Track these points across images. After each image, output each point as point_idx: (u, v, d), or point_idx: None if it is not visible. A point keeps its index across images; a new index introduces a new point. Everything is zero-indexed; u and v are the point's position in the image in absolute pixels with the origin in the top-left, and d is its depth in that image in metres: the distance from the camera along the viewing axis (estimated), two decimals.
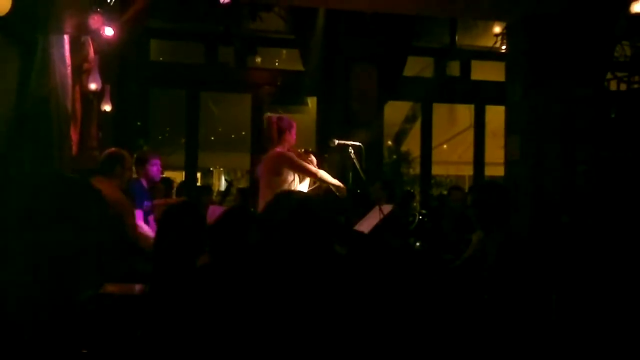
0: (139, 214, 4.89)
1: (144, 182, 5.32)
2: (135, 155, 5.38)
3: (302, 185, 5.09)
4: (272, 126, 4.95)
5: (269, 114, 10.23)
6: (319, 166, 5.08)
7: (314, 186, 5.10)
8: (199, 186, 10.57)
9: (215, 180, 16.18)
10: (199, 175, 12.39)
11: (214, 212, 4.67)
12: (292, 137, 4.99)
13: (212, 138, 12.91)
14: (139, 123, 9.85)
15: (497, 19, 7.62)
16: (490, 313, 3.23)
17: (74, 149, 5.32)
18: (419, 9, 7.19)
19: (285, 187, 4.84)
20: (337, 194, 4.95)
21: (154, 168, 5.38)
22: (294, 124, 5.04)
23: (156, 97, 10.47)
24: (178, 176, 11.21)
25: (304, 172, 4.90)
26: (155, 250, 2.74)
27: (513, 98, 6.93)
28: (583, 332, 3.43)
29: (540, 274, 3.43)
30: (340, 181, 5.04)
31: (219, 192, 11.53)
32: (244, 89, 10.21)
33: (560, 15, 6.47)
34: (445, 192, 10.01)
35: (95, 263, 3.17)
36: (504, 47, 7.81)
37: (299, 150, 5.12)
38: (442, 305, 3.46)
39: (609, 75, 8.36)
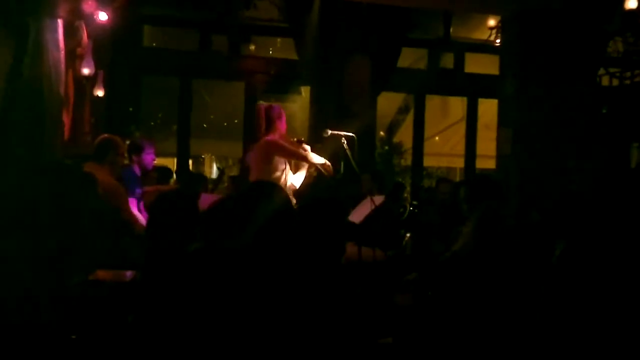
0: (131, 202, 4.89)
1: (137, 170, 5.31)
2: (128, 142, 5.37)
3: (297, 175, 5.10)
4: (261, 114, 4.96)
5: (261, 102, 10.25)
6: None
7: (309, 170, 5.13)
8: (192, 174, 10.54)
9: (206, 168, 16.14)
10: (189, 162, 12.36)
11: (205, 200, 4.67)
12: (282, 125, 4.99)
13: (204, 125, 12.87)
14: (130, 109, 9.82)
15: (492, 12, 7.64)
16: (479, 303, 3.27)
17: (66, 133, 5.32)
18: (415, 1, 7.21)
19: (277, 175, 4.85)
20: (325, 173, 4.97)
21: (149, 157, 5.38)
22: (284, 113, 5.04)
23: (149, 83, 10.43)
24: (169, 163, 11.18)
25: (294, 157, 4.92)
26: (147, 237, 2.75)
27: (506, 92, 6.96)
28: (562, 326, 3.48)
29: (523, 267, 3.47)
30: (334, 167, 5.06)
31: (210, 180, 11.52)
32: (237, 77, 10.19)
33: (554, 10, 6.50)
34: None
35: (87, 248, 3.18)
36: (498, 40, 7.82)
37: (292, 139, 5.13)
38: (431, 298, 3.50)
39: (601, 71, 8.42)
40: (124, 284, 3.24)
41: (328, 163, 4.96)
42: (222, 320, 2.35)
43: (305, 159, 4.92)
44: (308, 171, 5.19)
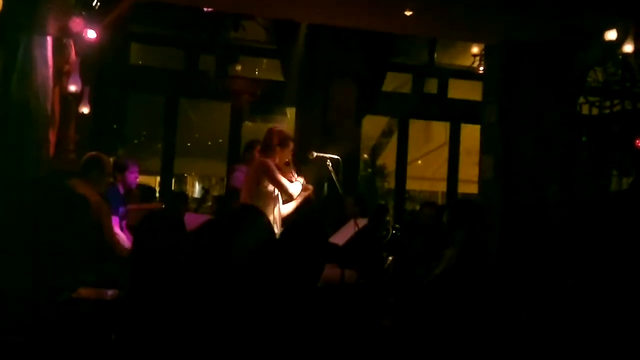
0: (114, 220, 4.88)
1: (121, 189, 5.32)
2: (112, 160, 5.38)
3: (286, 205, 5.11)
4: (273, 136, 4.95)
5: (247, 122, 10.31)
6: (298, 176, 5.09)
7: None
8: (174, 192, 10.52)
9: (189, 187, 16.10)
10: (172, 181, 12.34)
11: (189, 219, 4.68)
12: (285, 154, 4.98)
13: (188, 144, 12.86)
14: (115, 126, 9.79)
15: (476, 41, 7.78)
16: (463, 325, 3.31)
17: (51, 150, 5.30)
18: (400, 28, 7.33)
19: (267, 197, 4.84)
20: (310, 197, 4.99)
21: (132, 176, 5.40)
22: (291, 144, 5.03)
23: (135, 101, 10.43)
24: (152, 181, 11.16)
25: (276, 186, 4.88)
26: (132, 256, 2.75)
27: (488, 119, 7.07)
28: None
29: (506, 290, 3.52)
30: (315, 191, 5.07)
31: (194, 199, 11.51)
32: (223, 97, 10.21)
33: (537, 40, 6.65)
34: (418, 207, 10.13)
35: (72, 265, 3.17)
36: (481, 67, 7.96)
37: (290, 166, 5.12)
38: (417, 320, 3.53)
39: (581, 100, 8.59)
40: (106, 303, 3.24)
41: (309, 187, 4.95)
42: (206, 341, 2.37)
43: (287, 192, 4.87)
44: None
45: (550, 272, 5.12)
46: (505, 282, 3.58)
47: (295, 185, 4.93)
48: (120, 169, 5.33)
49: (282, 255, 2.58)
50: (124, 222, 5.30)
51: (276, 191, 4.92)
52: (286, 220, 4.99)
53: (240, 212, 2.80)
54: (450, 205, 6.00)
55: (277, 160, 4.90)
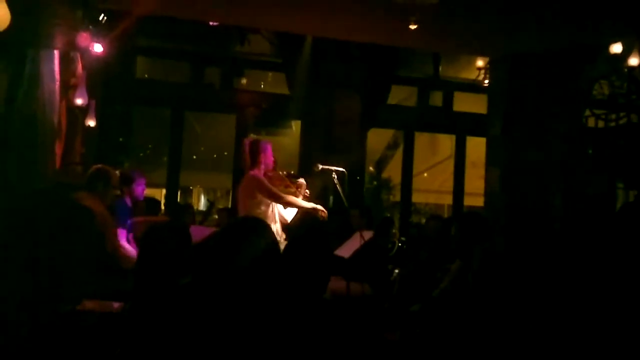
0: (122, 233, 4.89)
1: (128, 201, 5.33)
2: (119, 173, 5.40)
3: (288, 210, 5.12)
4: (245, 149, 4.98)
5: (252, 135, 10.34)
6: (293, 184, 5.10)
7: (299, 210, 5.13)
8: (180, 205, 10.54)
9: (194, 199, 16.13)
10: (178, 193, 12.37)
11: (195, 232, 4.67)
12: (267, 159, 4.99)
13: (194, 157, 12.91)
14: (121, 139, 9.84)
15: (480, 55, 7.80)
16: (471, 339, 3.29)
17: (58, 163, 5.33)
18: (404, 42, 7.35)
19: (262, 209, 4.86)
20: (319, 217, 4.97)
21: (140, 188, 5.40)
22: (269, 146, 5.04)
23: (140, 114, 10.49)
24: (158, 194, 11.18)
25: (272, 198, 4.89)
26: (137, 268, 2.75)
27: (494, 131, 7.08)
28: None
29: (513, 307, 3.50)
30: (321, 205, 5.06)
31: (199, 212, 11.51)
32: (228, 109, 10.26)
33: (541, 53, 6.66)
34: (424, 220, 10.11)
35: (76, 277, 3.17)
36: (486, 80, 7.97)
37: (281, 173, 5.15)
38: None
39: (587, 112, 8.58)
40: (112, 315, 3.23)
41: (320, 207, 4.93)
42: (212, 354, 2.36)
43: (282, 200, 4.87)
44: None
45: (556, 285, 5.09)
46: (513, 296, 3.56)
47: (300, 201, 4.94)
48: (127, 181, 5.33)
49: (288, 268, 2.58)
50: (130, 235, 5.30)
51: (274, 204, 4.93)
52: (291, 232, 4.99)
53: (245, 223, 2.79)
54: (458, 218, 5.97)
55: (262, 168, 4.92)
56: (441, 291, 4.19)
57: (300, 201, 4.94)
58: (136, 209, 5.87)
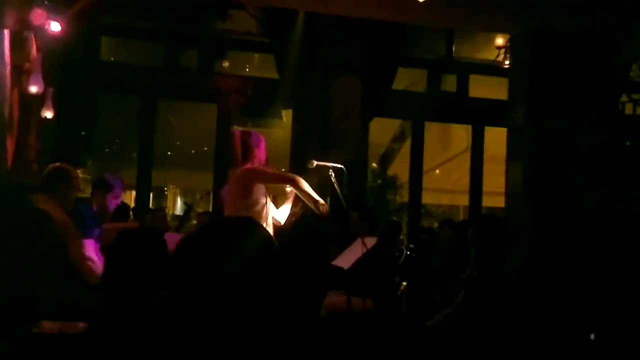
0: (90, 243, 4.86)
1: (94, 207, 5.29)
2: (99, 177, 5.35)
3: (281, 210, 5.13)
4: (236, 142, 4.98)
5: (236, 127, 10.30)
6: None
7: (294, 209, 5.14)
8: (152, 209, 10.53)
9: (169, 202, 16.13)
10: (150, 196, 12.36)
11: (170, 239, 4.66)
12: (261, 154, 5.01)
13: (169, 153, 12.91)
14: (83, 133, 9.83)
15: (500, 31, 7.81)
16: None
17: (9, 160, 5.31)
18: (412, 18, 7.34)
19: (256, 210, 4.85)
20: (317, 212, 4.96)
21: (114, 201, 5.37)
22: (263, 140, 5.07)
23: (105, 103, 10.47)
24: (127, 197, 11.16)
25: (281, 181, 4.93)
26: (104, 281, 2.74)
27: (516, 120, 7.07)
28: None
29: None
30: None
31: (175, 217, 11.50)
32: (208, 97, 10.27)
33: (571, 30, 6.66)
34: (436, 224, 10.13)
35: (33, 294, 3.17)
36: (507, 61, 7.98)
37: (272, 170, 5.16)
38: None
39: (624, 98, 8.60)
40: (75, 337, 3.22)
41: (323, 202, 4.94)
42: None
43: (293, 181, 4.85)
44: (293, 208, 5.19)
45: (588, 294, 5.11)
46: (531, 307, 3.58)
47: (305, 184, 4.95)
48: (104, 187, 5.30)
49: (278, 278, 2.57)
50: (99, 246, 5.28)
51: (268, 202, 4.93)
52: (282, 236, 4.99)
53: (235, 224, 2.77)
54: (476, 221, 5.98)
55: (255, 164, 4.94)
56: (458, 307, 4.19)
57: (309, 188, 4.93)
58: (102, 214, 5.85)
